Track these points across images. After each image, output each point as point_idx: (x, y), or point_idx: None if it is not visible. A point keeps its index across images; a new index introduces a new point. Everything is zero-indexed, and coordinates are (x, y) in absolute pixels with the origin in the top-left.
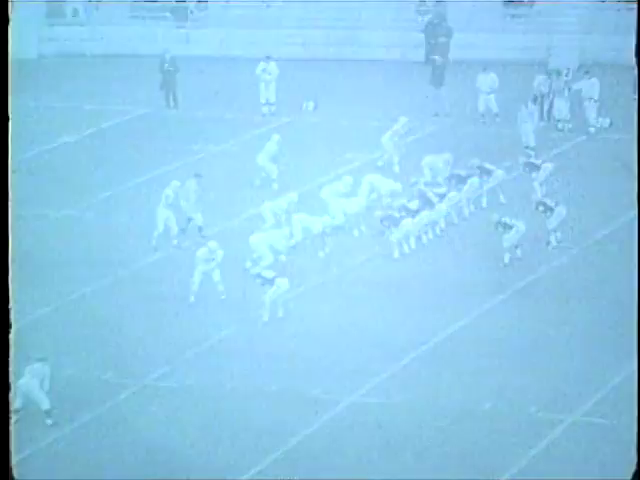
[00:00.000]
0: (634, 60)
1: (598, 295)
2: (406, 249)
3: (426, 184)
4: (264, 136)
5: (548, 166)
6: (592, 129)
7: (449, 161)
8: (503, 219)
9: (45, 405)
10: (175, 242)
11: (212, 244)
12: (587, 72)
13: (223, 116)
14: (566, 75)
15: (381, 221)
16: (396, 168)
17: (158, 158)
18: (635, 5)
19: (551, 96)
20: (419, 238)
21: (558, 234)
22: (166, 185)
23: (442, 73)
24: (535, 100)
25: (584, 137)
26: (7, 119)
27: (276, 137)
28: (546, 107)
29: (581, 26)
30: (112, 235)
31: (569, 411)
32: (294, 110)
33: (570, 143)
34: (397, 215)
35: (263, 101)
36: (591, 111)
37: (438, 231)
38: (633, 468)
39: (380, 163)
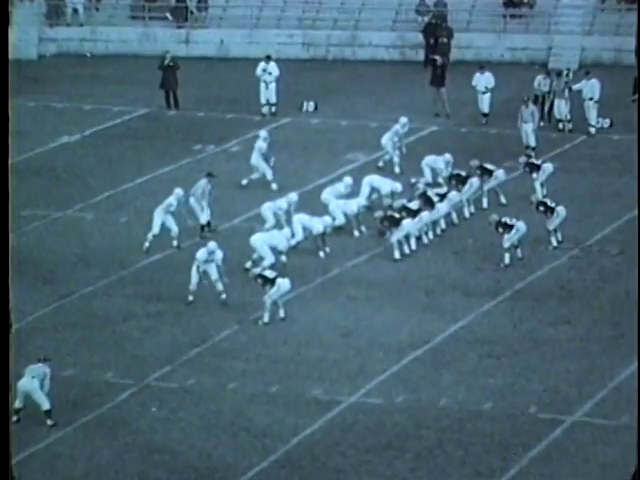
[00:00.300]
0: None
1: (598, 295)
2: (406, 250)
3: (426, 184)
4: None
5: (549, 166)
6: (592, 129)
7: (449, 161)
8: (503, 219)
9: (45, 405)
10: (175, 242)
11: (211, 245)
12: (587, 72)
13: (223, 117)
14: (566, 75)
15: (381, 222)
16: (396, 169)
17: (158, 158)
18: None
19: (551, 96)
20: (419, 239)
21: (558, 235)
22: (166, 185)
23: (443, 73)
24: (536, 100)
25: (584, 137)
26: (7, 119)
27: (264, 133)
28: (547, 107)
29: (581, 26)
30: (112, 235)
31: (569, 411)
32: (294, 110)
33: (570, 143)
34: (397, 216)
35: (263, 101)
36: (591, 111)
37: (439, 231)
38: (633, 468)
39: (380, 164)
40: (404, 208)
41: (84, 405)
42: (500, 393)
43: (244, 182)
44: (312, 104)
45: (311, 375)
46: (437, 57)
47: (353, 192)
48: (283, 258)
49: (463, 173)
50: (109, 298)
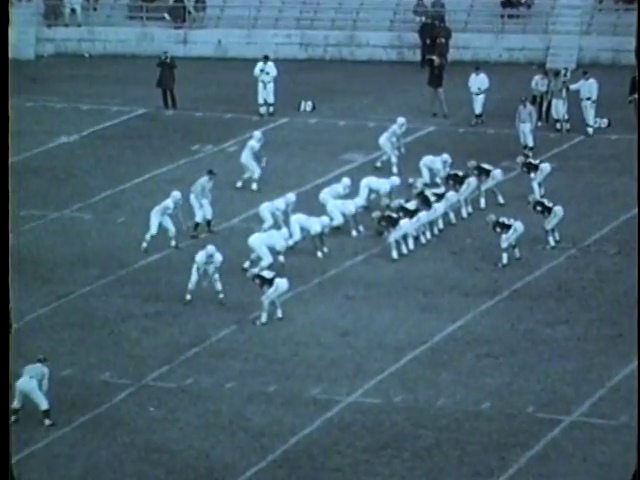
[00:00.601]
0: (634, 60)
1: (596, 295)
2: (404, 250)
3: (424, 184)
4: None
5: (546, 166)
6: (590, 129)
7: (447, 161)
8: (501, 219)
9: (44, 405)
10: (173, 243)
11: (210, 248)
12: (585, 72)
13: (221, 117)
14: (564, 75)
15: (379, 222)
16: (394, 169)
17: (156, 158)
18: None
19: (549, 96)
20: (417, 239)
21: (556, 234)
22: (164, 185)
23: (441, 74)
24: (533, 100)
25: (582, 137)
26: (7, 119)
27: (258, 134)
28: (544, 107)
29: (579, 26)
30: (110, 235)
31: (568, 411)
32: (292, 110)
33: (568, 143)
34: (395, 216)
35: (261, 101)
36: (589, 111)
37: (436, 231)
38: (632, 468)
39: (378, 164)
40: (402, 208)
41: (82, 405)
42: (498, 393)
43: (239, 184)
44: (310, 104)
45: (309, 375)
46: (435, 57)
47: (351, 193)
48: (281, 258)
49: (461, 173)
50: (107, 298)
